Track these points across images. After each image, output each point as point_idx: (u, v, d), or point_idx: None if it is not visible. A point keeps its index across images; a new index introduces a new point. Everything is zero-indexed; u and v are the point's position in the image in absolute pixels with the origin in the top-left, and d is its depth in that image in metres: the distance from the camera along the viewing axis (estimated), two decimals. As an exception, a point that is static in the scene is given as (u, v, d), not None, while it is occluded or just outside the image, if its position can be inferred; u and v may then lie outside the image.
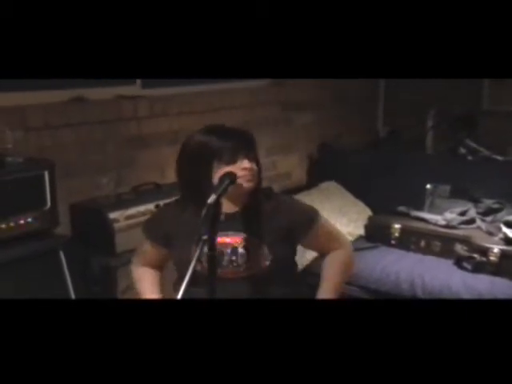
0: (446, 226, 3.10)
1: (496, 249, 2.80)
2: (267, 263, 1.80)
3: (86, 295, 2.33)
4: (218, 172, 1.71)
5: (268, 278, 1.81)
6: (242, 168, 1.72)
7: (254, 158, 1.78)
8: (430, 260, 3.01)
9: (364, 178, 3.68)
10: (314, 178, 3.93)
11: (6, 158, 2.15)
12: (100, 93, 2.76)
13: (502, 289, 2.67)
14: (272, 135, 3.71)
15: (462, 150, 3.78)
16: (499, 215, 3.11)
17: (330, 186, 3.74)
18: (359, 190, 3.66)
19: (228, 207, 1.78)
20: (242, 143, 1.75)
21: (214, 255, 1.58)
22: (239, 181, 1.72)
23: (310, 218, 1.89)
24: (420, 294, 2.77)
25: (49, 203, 2.21)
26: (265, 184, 1.93)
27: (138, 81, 2.97)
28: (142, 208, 2.59)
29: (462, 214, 3.17)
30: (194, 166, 1.77)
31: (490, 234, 2.98)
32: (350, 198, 3.66)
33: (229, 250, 1.80)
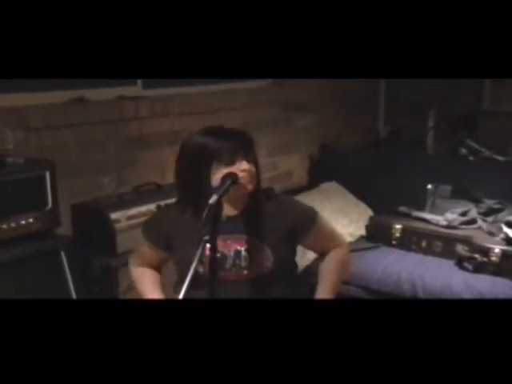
0: (447, 227, 3.10)
1: (497, 249, 2.80)
2: (269, 264, 1.80)
3: (86, 295, 2.33)
4: (217, 173, 1.71)
5: (269, 279, 1.81)
6: (240, 169, 1.71)
7: (253, 160, 1.77)
8: (431, 260, 3.01)
9: (365, 179, 3.68)
10: (314, 179, 3.93)
11: (7, 158, 2.15)
12: (101, 93, 2.76)
13: (503, 289, 2.67)
14: (272, 136, 3.71)
15: (463, 150, 3.77)
16: (500, 215, 3.11)
17: (331, 186, 3.74)
18: (360, 190, 3.66)
19: (228, 210, 1.78)
20: (241, 144, 1.74)
21: (216, 256, 1.58)
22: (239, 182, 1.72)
23: (311, 218, 1.89)
24: (421, 294, 2.77)
25: (50, 203, 2.21)
26: (265, 184, 1.93)
27: (139, 81, 2.97)
28: (143, 208, 2.59)
29: (463, 214, 3.17)
30: (193, 167, 1.76)
31: (491, 234, 2.98)
32: (350, 198, 3.66)
33: (232, 253, 1.79)
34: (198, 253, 1.53)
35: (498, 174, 3.39)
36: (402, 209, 3.33)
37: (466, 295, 2.67)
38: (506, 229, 2.89)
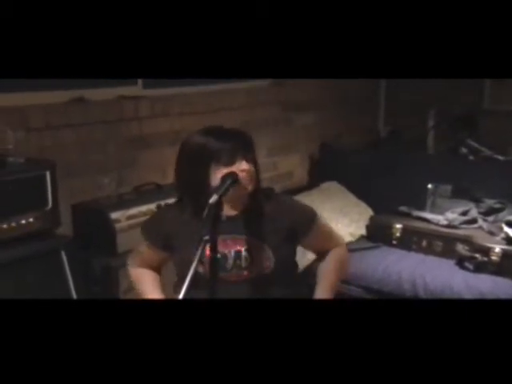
0: (448, 226, 3.10)
1: (497, 248, 2.80)
2: (270, 265, 1.80)
3: (87, 295, 2.33)
4: (217, 173, 1.70)
5: (270, 279, 1.81)
6: (240, 169, 1.70)
7: (253, 160, 1.77)
8: (432, 260, 3.01)
9: (365, 178, 3.68)
10: (315, 179, 3.93)
11: (8, 158, 2.15)
12: (101, 93, 2.76)
13: (503, 289, 2.67)
14: (272, 135, 3.71)
15: (463, 150, 3.77)
16: (501, 215, 3.11)
17: (331, 186, 3.74)
18: (360, 190, 3.66)
19: (228, 210, 1.78)
20: (241, 144, 1.74)
21: (216, 256, 1.58)
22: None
23: (310, 218, 1.89)
24: (422, 294, 2.77)
25: (50, 203, 2.21)
26: (266, 184, 1.93)
27: (139, 81, 2.97)
28: (143, 208, 2.59)
29: (464, 213, 3.17)
30: (193, 167, 1.76)
31: (492, 233, 2.98)
32: (351, 198, 3.66)
33: (232, 254, 1.79)
34: (198, 253, 1.52)
35: (498, 173, 3.39)
36: (403, 208, 3.33)
37: (467, 295, 2.67)
38: (506, 228, 2.89)
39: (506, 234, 2.87)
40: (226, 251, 1.79)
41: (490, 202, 3.24)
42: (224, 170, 1.70)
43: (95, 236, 2.53)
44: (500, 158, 3.68)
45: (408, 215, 3.28)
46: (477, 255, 2.83)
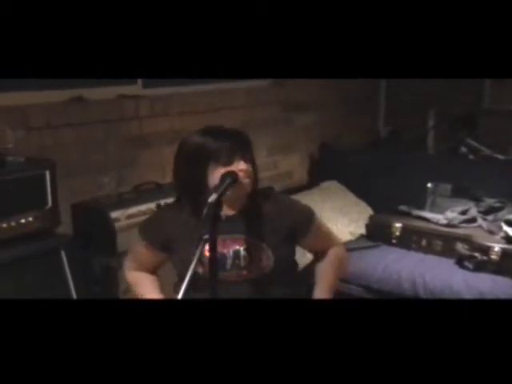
0: (447, 225, 3.10)
1: (497, 247, 2.80)
2: (270, 264, 1.80)
3: (87, 295, 2.33)
4: (215, 173, 1.70)
5: (270, 279, 1.81)
6: (238, 169, 1.70)
7: (250, 160, 1.76)
8: (432, 259, 3.01)
9: (365, 178, 3.68)
10: (315, 178, 3.93)
11: (7, 157, 2.16)
12: (101, 92, 2.76)
13: (503, 287, 2.67)
14: (272, 135, 3.71)
15: (463, 149, 3.77)
16: (500, 214, 3.11)
17: (331, 185, 3.74)
18: (360, 189, 3.66)
19: (226, 210, 1.77)
20: (239, 144, 1.74)
21: (216, 255, 1.58)
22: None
23: (308, 218, 1.89)
24: (421, 293, 2.77)
25: (50, 203, 2.21)
26: (266, 184, 1.93)
27: (139, 80, 2.98)
28: (143, 207, 2.59)
29: (463, 212, 3.18)
30: (191, 166, 1.76)
31: (491, 232, 2.98)
32: (351, 197, 3.66)
33: (231, 253, 1.79)
34: (198, 252, 1.52)
35: (498, 173, 3.39)
36: (402, 208, 3.33)
37: (467, 294, 2.67)
38: (505, 227, 2.89)
39: (506, 233, 2.87)
40: (225, 251, 1.79)
41: (489, 201, 3.24)
42: (222, 170, 1.69)
43: (95, 235, 2.54)
44: (500, 157, 3.68)
45: (408, 214, 3.28)
46: (476, 254, 2.84)
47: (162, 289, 1.95)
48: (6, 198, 2.08)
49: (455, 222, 3.10)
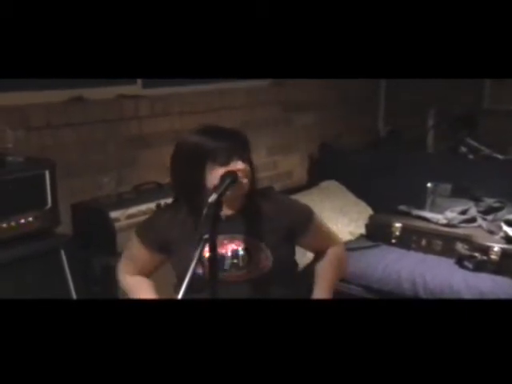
0: (447, 225, 3.10)
1: (497, 247, 2.80)
2: (269, 264, 1.79)
3: (87, 295, 2.33)
4: (212, 173, 1.70)
5: (269, 279, 1.80)
6: (236, 169, 1.69)
7: (248, 160, 1.76)
8: (431, 259, 3.02)
9: (365, 178, 3.68)
10: (314, 178, 3.93)
11: (7, 157, 2.16)
12: (101, 92, 2.76)
13: (503, 287, 2.67)
14: (272, 135, 3.71)
15: (463, 149, 3.77)
16: (500, 214, 3.12)
17: (331, 185, 3.74)
18: (360, 189, 3.66)
19: (225, 210, 1.75)
20: (237, 144, 1.73)
21: (216, 255, 1.57)
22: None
23: (307, 217, 1.89)
24: (421, 292, 2.77)
25: (50, 203, 2.21)
26: (266, 184, 1.93)
27: (139, 80, 2.98)
28: (143, 207, 2.59)
29: (463, 212, 3.18)
30: (188, 166, 1.75)
31: (491, 232, 2.98)
32: (350, 197, 3.66)
33: (230, 253, 1.79)
34: (198, 251, 1.52)
35: (497, 172, 3.39)
36: (402, 207, 3.33)
37: (466, 294, 2.67)
38: (505, 227, 2.90)
39: (506, 232, 2.87)
40: (224, 251, 1.78)
41: (489, 201, 3.24)
42: (220, 170, 1.69)
43: (95, 235, 2.54)
44: (499, 157, 3.68)
45: (407, 214, 3.29)
46: (476, 254, 2.84)
47: (162, 289, 1.94)
48: (6, 198, 2.08)
49: (455, 221, 3.10)
